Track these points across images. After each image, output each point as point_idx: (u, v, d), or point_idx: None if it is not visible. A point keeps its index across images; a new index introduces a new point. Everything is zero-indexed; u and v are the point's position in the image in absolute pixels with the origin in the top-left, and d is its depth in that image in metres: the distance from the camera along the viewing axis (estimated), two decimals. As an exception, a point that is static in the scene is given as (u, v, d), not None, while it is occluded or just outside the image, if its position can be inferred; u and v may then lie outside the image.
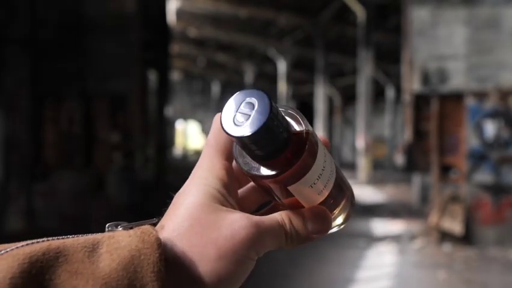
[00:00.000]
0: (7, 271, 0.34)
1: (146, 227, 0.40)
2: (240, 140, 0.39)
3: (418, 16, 6.95)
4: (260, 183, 0.43)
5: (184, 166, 19.86)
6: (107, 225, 0.42)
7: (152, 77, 12.05)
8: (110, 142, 6.84)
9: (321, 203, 0.45)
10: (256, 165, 0.42)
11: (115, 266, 0.36)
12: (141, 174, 8.53)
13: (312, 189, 0.44)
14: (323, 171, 0.44)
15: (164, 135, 13.55)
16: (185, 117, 30.57)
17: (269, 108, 0.39)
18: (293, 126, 0.42)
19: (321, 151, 0.44)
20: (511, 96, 6.65)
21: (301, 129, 0.42)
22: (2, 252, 0.36)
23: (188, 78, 30.62)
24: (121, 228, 0.42)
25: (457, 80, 6.82)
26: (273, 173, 0.41)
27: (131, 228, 0.41)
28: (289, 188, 0.43)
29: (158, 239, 0.38)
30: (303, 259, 5.55)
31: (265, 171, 0.41)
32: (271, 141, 0.39)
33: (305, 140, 0.42)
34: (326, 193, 0.45)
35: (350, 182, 0.50)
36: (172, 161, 18.25)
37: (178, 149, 28.93)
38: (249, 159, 0.42)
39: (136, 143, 7.44)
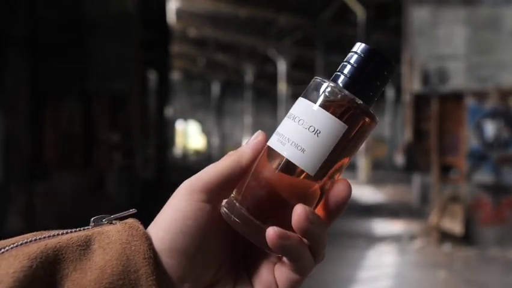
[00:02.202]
0: (9, 267, 0.36)
1: (132, 222, 0.44)
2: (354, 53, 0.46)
3: (418, 16, 6.94)
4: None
5: (184, 166, 19.84)
6: (92, 219, 0.45)
7: (152, 77, 12.06)
8: (110, 142, 6.85)
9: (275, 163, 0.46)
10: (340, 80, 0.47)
11: (109, 258, 0.39)
12: (141, 174, 8.53)
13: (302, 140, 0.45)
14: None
15: (165, 135, 13.55)
16: (185, 117, 30.56)
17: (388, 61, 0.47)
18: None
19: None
20: (511, 96, 6.65)
21: (375, 121, 0.46)
22: (3, 251, 0.38)
23: (188, 78, 30.61)
24: (105, 221, 0.45)
25: (457, 80, 6.81)
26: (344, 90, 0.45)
27: (115, 219, 0.45)
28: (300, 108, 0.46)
29: (145, 233, 0.42)
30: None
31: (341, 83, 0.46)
32: (365, 72, 0.46)
33: (363, 123, 0.45)
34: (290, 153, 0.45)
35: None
36: (172, 161, 18.25)
37: (178, 149, 28.93)
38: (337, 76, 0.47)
39: (136, 143, 7.45)
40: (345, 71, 0.46)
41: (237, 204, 0.45)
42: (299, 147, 0.44)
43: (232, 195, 0.46)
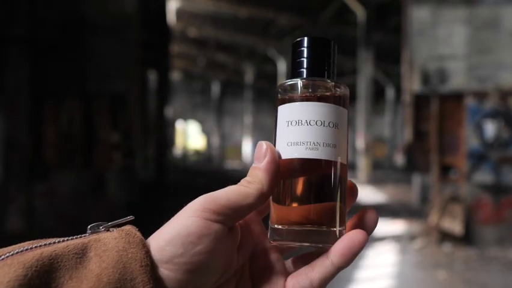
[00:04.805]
0: (4, 276, 0.35)
1: (129, 229, 0.43)
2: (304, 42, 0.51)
3: (418, 16, 6.94)
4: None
5: (184, 166, 19.84)
6: (88, 227, 0.45)
7: (152, 77, 12.05)
8: (110, 142, 6.84)
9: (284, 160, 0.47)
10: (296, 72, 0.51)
11: (105, 266, 0.39)
12: (141, 174, 8.53)
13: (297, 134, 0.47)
14: (314, 142, 0.46)
15: (165, 135, 13.54)
16: (185, 117, 30.55)
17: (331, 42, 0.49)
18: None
19: (343, 133, 0.48)
20: (511, 96, 6.65)
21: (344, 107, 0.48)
22: None
23: (188, 78, 30.60)
24: (103, 229, 0.44)
25: (457, 80, 6.81)
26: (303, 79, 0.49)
27: (113, 227, 0.45)
28: (284, 106, 0.48)
29: (142, 240, 0.42)
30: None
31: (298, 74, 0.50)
32: (320, 57, 0.49)
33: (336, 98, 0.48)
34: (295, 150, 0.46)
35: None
36: (172, 161, 18.24)
37: (178, 149, 28.92)
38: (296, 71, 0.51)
39: (136, 143, 7.44)
40: (312, 66, 0.50)
41: (290, 224, 0.46)
42: (331, 145, 0.46)
43: (275, 222, 0.47)
